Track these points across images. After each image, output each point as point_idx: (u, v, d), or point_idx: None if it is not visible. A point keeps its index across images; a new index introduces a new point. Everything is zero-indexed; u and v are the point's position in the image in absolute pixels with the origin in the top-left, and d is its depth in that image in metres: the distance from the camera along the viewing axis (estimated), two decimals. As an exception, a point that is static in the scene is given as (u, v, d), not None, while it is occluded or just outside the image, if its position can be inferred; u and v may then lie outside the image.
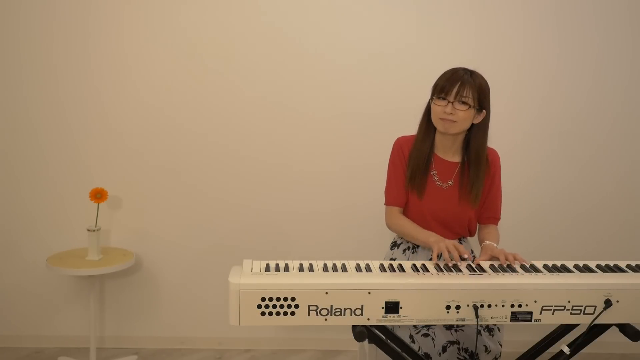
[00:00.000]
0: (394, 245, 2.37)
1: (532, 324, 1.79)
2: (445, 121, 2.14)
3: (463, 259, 1.97)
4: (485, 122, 2.20)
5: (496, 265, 1.96)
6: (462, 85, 2.10)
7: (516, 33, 3.05)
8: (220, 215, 3.17)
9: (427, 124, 2.24)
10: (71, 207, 3.14)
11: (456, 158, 2.26)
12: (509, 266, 1.94)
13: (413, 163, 2.23)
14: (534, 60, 3.06)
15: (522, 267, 1.94)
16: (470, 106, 2.12)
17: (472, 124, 2.19)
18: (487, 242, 2.18)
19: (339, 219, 3.17)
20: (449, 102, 2.11)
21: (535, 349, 2.02)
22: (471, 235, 2.35)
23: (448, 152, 2.25)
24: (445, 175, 2.25)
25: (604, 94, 3.10)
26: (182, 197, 3.16)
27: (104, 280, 3.20)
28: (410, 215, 2.28)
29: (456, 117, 2.12)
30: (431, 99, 2.20)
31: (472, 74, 2.15)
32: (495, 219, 2.32)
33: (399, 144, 2.30)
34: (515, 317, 1.78)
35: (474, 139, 2.21)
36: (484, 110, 2.18)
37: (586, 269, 1.92)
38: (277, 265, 1.88)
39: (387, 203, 2.31)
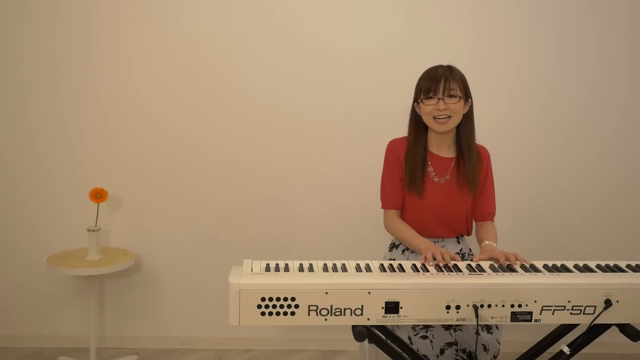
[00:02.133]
0: (393, 246, 2.38)
1: (532, 324, 1.79)
2: (439, 121, 2.18)
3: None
4: (471, 111, 2.27)
5: (496, 265, 1.96)
6: (446, 81, 2.17)
7: (515, 32, 3.04)
8: (221, 215, 3.17)
9: (416, 126, 2.28)
10: (71, 207, 3.14)
11: (451, 153, 2.29)
12: (508, 266, 1.94)
13: (410, 166, 2.25)
14: (534, 59, 3.06)
15: (522, 267, 1.94)
16: (459, 97, 2.17)
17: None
18: (487, 242, 2.19)
19: (338, 219, 3.16)
20: (438, 99, 2.16)
21: (535, 349, 2.03)
22: (469, 233, 2.36)
23: (442, 148, 2.29)
24: (441, 171, 2.28)
25: (605, 94, 3.09)
26: (182, 197, 3.16)
27: (104, 280, 3.21)
28: (411, 215, 2.29)
29: (449, 111, 2.17)
30: (417, 101, 2.24)
31: (450, 68, 2.22)
32: (490, 214, 2.33)
33: (392, 147, 2.31)
34: (515, 317, 1.78)
35: (464, 130, 2.26)
36: (470, 99, 2.24)
37: (586, 269, 1.92)
38: (277, 265, 1.88)
39: (383, 206, 2.33)
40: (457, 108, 2.17)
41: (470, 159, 2.25)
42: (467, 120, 2.25)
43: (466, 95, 2.21)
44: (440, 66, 2.22)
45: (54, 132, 3.11)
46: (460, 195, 2.26)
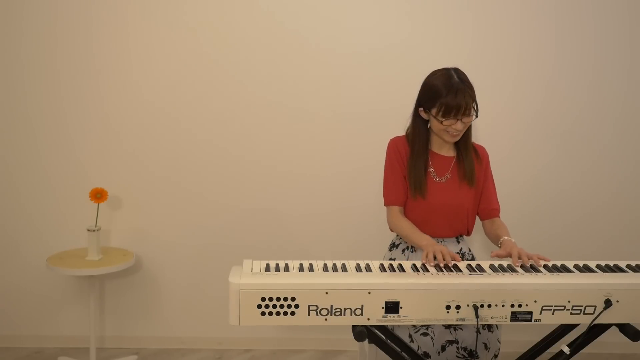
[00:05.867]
0: (393, 246, 2.38)
1: (532, 324, 1.79)
2: (452, 134, 2.19)
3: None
4: None
5: (496, 265, 1.96)
6: (466, 103, 2.12)
7: (514, 31, 3.04)
8: (220, 215, 3.17)
9: (419, 132, 2.27)
10: (71, 207, 3.14)
11: (451, 153, 2.31)
12: (509, 266, 1.95)
13: (413, 171, 2.25)
14: (533, 58, 3.06)
15: (522, 267, 1.94)
16: (475, 114, 2.18)
17: None
18: (505, 237, 2.18)
19: (338, 219, 3.16)
20: (457, 119, 2.15)
21: (535, 349, 2.03)
22: (468, 234, 2.37)
23: (443, 148, 2.30)
24: (442, 170, 2.29)
25: (604, 94, 3.09)
26: (182, 197, 3.16)
27: (104, 280, 3.21)
28: (412, 215, 2.29)
29: (464, 127, 2.18)
30: (426, 110, 2.21)
31: (464, 81, 2.15)
32: (496, 210, 2.35)
33: (394, 144, 2.31)
34: (515, 317, 1.78)
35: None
36: None
37: (586, 269, 1.92)
38: (277, 265, 1.88)
39: (386, 203, 2.33)
40: (469, 121, 2.19)
41: (467, 155, 2.27)
42: None
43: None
44: (457, 78, 2.14)
45: (54, 132, 3.10)
46: (460, 190, 2.27)
